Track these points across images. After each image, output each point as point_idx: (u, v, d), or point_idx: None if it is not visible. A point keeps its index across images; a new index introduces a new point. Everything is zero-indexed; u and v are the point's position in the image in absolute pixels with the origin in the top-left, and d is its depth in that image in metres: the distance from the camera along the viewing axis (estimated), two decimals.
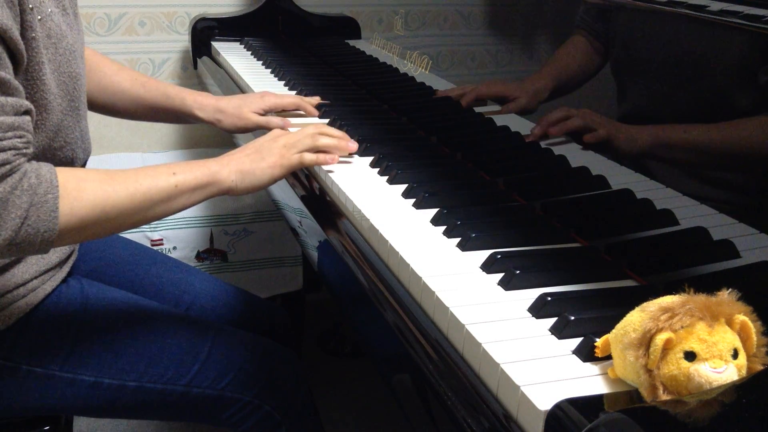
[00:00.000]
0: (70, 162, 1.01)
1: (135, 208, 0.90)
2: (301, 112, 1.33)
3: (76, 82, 0.99)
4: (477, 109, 1.17)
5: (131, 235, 1.65)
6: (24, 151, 0.84)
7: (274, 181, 1.03)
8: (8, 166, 0.81)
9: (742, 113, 0.74)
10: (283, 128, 1.20)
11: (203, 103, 1.26)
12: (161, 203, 0.93)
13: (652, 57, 0.84)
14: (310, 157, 1.05)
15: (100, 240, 1.28)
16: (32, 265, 1.01)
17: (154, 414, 1.13)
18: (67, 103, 0.97)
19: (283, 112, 1.31)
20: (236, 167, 0.99)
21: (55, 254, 1.04)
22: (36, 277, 1.01)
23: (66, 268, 1.08)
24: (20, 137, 0.84)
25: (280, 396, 1.12)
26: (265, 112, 1.28)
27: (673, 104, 0.82)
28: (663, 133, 0.84)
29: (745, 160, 0.75)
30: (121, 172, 0.92)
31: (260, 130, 1.25)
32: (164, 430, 1.82)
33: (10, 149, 0.81)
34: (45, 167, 0.85)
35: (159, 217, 0.96)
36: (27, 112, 0.86)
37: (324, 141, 1.07)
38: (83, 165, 1.07)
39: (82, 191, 0.86)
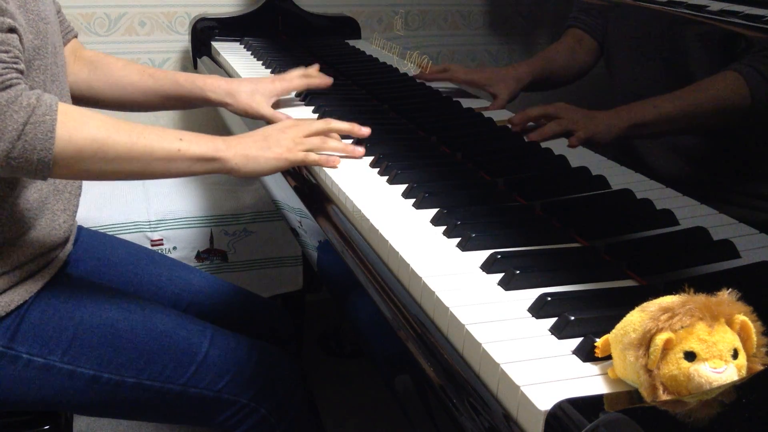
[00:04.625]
0: None
1: (133, 157, 0.93)
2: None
3: (46, 24, 1.00)
4: (473, 105, 1.17)
5: (130, 235, 1.65)
6: (13, 66, 0.85)
7: (276, 171, 1.06)
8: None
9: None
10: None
11: (214, 84, 1.28)
12: (160, 162, 0.95)
13: (645, 51, 0.84)
14: (313, 158, 1.07)
15: (100, 240, 1.28)
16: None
17: (151, 414, 1.13)
18: (40, 41, 0.98)
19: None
20: (242, 151, 1.01)
21: (64, 229, 1.08)
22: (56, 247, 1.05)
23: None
24: (6, 52, 0.85)
25: (276, 399, 1.12)
26: (277, 97, 1.31)
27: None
28: (634, 114, 0.86)
29: (712, 117, 0.77)
30: (129, 122, 0.94)
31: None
32: (164, 430, 1.82)
33: None
34: (48, 95, 0.88)
35: (159, 176, 0.98)
36: (12, 30, 0.87)
37: (332, 144, 1.09)
38: None
39: (83, 124, 0.89)
